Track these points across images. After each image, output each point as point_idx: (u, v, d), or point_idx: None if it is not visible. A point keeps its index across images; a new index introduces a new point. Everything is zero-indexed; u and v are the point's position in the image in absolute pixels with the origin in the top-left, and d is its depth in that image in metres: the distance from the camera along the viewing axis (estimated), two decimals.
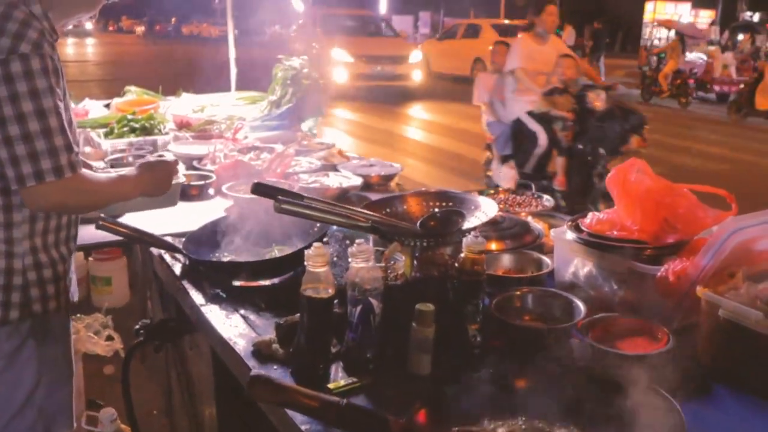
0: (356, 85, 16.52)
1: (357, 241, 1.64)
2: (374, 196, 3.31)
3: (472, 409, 1.49)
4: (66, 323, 2.11)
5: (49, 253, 1.99)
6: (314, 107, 4.63)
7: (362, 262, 1.62)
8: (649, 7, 30.15)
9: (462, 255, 1.76)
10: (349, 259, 1.64)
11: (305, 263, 1.60)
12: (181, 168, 2.98)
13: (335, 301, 1.67)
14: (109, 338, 3.22)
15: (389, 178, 3.56)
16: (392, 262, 1.75)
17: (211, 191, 3.28)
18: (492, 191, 2.98)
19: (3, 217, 1.90)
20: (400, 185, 3.61)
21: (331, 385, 1.58)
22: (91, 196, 1.97)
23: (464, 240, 1.76)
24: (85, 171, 1.94)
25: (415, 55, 18.07)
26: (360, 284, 1.62)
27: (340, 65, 16.80)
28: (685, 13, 30.40)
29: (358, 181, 3.33)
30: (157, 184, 2.20)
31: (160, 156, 3.31)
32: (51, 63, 1.82)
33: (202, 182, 3.25)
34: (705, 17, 31.27)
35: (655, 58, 18.70)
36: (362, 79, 16.83)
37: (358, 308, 1.63)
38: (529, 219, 2.58)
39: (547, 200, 2.89)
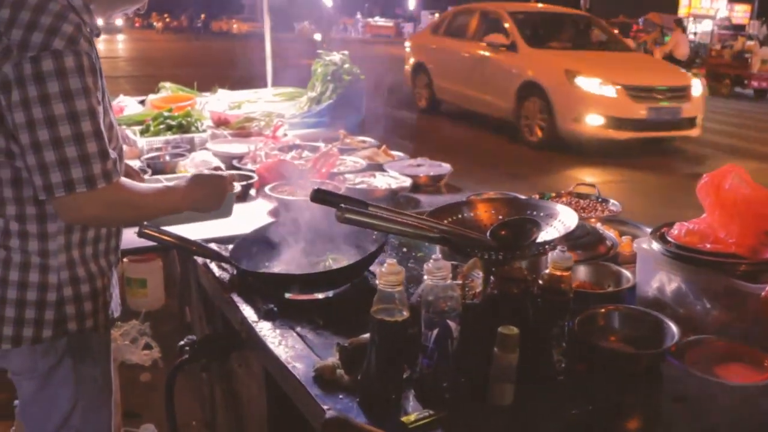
0: (622, 137, 9.79)
1: (434, 256, 1.46)
2: (423, 198, 3.17)
3: None
4: (106, 341, 1.95)
5: (87, 266, 1.83)
6: (355, 105, 4.46)
7: (439, 281, 1.44)
8: (684, 1, 29.57)
9: (547, 271, 1.58)
10: (424, 277, 1.47)
11: (377, 282, 1.43)
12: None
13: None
14: (147, 346, 3.08)
15: (438, 178, 3.38)
16: (470, 280, 1.58)
17: (252, 192, 3.12)
18: (553, 194, 2.79)
19: (37, 228, 1.75)
20: (450, 185, 3.43)
21: (404, 419, 1.41)
22: (130, 209, 1.79)
23: (550, 255, 1.59)
24: (124, 181, 1.76)
25: (696, 87, 10.41)
26: (435, 304, 1.45)
27: (593, 103, 9.77)
28: (721, 8, 29.81)
29: (407, 181, 3.15)
30: (208, 199, 2.00)
31: (217, 168, 3.14)
32: (87, 61, 1.64)
33: (243, 183, 3.09)
34: (741, 11, 30.65)
35: (641, 46, 18.98)
36: (632, 128, 9.77)
37: (435, 331, 1.45)
38: (598, 226, 2.39)
39: (613, 205, 2.68)
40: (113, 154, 1.69)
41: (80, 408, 1.88)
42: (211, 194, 2.02)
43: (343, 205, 1.58)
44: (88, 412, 1.90)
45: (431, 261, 1.45)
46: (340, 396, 1.50)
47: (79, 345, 1.84)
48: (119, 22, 34.43)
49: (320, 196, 1.67)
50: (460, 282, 1.55)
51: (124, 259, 4.38)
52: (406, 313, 1.43)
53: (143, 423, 3.13)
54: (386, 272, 1.41)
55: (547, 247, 1.76)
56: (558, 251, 1.57)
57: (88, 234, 1.83)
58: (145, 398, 3.42)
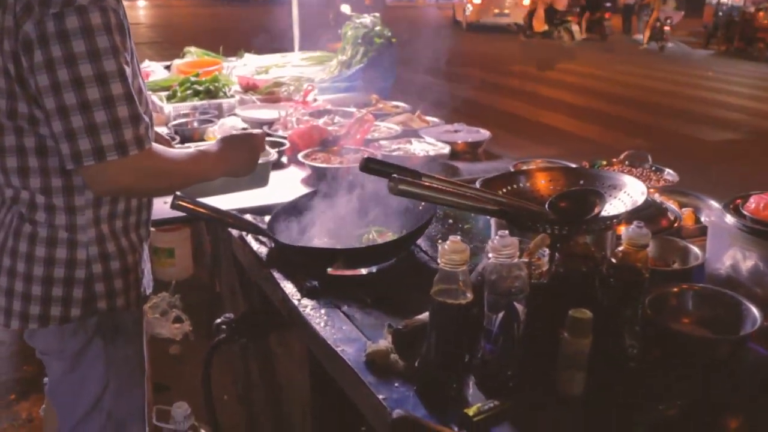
0: None
1: (500, 232, 1.32)
2: (461, 165, 3.02)
3: None
4: (138, 319, 1.84)
5: (117, 241, 1.71)
6: (387, 68, 4.29)
7: (505, 259, 1.31)
8: None
9: (620, 248, 1.44)
10: (488, 254, 1.33)
11: (438, 261, 1.29)
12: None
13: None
14: (178, 319, 2.98)
15: (476, 145, 3.22)
16: (536, 258, 1.44)
17: (284, 159, 2.99)
18: (604, 162, 2.62)
19: (64, 201, 1.63)
20: (488, 152, 3.27)
21: (468, 411, 1.28)
22: (164, 177, 1.64)
23: (624, 230, 1.44)
24: (156, 147, 1.61)
25: None
26: (500, 284, 1.31)
27: None
28: None
29: (445, 148, 3.00)
30: (243, 161, 1.85)
31: (245, 128, 3.00)
32: (115, 18, 1.50)
33: (275, 150, 2.95)
34: None
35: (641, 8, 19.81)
36: None
37: (500, 315, 1.32)
38: (656, 197, 2.23)
39: (669, 174, 2.52)
40: (146, 118, 1.56)
41: (112, 389, 1.78)
42: (245, 155, 1.86)
43: (395, 175, 1.45)
44: (120, 394, 1.80)
45: (497, 237, 1.32)
46: (396, 384, 1.37)
47: (109, 324, 1.73)
48: None
49: (371, 166, 1.54)
50: (526, 260, 1.41)
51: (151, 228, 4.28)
52: (470, 295, 1.30)
53: (172, 395, 3.05)
54: (449, 250, 1.27)
55: (614, 221, 1.62)
56: (635, 227, 1.42)
57: (117, 207, 1.71)
58: (173, 370, 3.34)
